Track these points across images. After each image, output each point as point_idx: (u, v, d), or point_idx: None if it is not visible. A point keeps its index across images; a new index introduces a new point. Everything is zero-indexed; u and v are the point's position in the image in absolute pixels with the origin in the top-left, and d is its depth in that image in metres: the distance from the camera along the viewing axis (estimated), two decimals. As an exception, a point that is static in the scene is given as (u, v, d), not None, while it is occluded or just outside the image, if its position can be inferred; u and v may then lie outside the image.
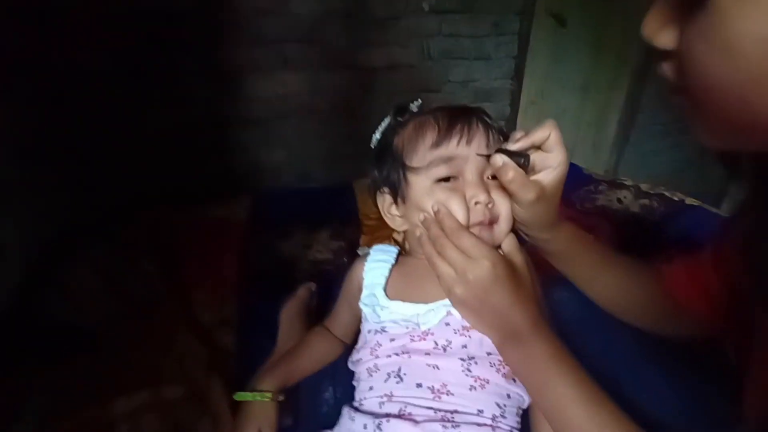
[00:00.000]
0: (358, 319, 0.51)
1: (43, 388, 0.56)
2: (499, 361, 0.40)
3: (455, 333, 0.41)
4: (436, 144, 0.44)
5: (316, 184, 1.46)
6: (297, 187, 1.42)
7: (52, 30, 1.03)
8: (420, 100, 0.50)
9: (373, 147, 0.52)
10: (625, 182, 1.18)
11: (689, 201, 1.08)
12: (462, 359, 0.39)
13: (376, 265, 0.50)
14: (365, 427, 0.40)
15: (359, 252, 0.90)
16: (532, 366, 0.37)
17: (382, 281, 0.48)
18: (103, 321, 0.72)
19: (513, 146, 0.40)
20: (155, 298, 0.74)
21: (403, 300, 0.45)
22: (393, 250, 0.52)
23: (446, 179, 0.44)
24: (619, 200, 1.07)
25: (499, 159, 0.39)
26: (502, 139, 0.46)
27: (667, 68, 0.24)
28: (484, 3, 1.56)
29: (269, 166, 1.44)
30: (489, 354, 0.40)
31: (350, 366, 0.47)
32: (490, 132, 0.45)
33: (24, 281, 0.79)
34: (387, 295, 0.46)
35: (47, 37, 1.02)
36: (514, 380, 0.39)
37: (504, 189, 0.44)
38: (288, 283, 0.78)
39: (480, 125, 0.45)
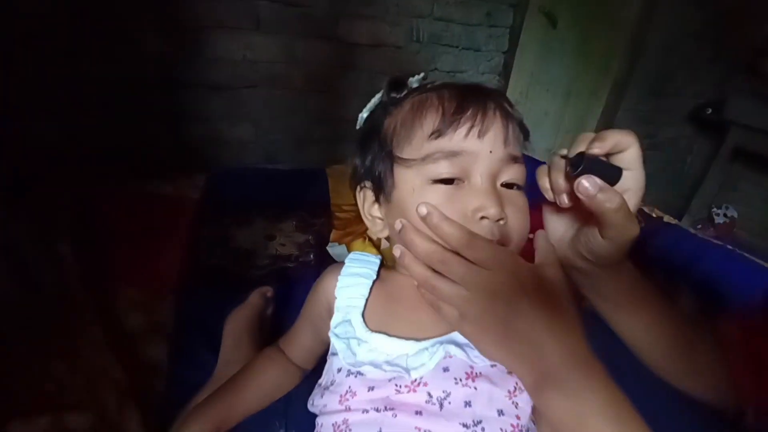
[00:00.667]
0: (323, 344, 0.41)
1: None
2: (512, 426, 0.31)
3: (456, 383, 0.31)
4: (438, 132, 0.33)
5: (283, 166, 1.32)
6: (261, 167, 1.27)
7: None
8: (423, 74, 0.38)
9: (358, 128, 0.41)
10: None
11: (667, 219, 1.07)
12: (464, 425, 0.29)
13: (352, 280, 0.39)
14: None
15: (329, 249, 0.79)
16: (586, 420, 0.26)
17: (361, 304, 0.37)
18: (3, 315, 0.56)
19: (594, 151, 0.30)
20: (70, 292, 0.59)
21: (388, 333, 0.35)
22: (374, 261, 0.41)
23: (446, 181, 0.33)
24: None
25: (592, 187, 0.28)
26: (522, 137, 0.36)
27: None
28: (479, -11, 1.47)
29: (231, 140, 1.28)
30: (501, 414, 0.31)
31: (310, 409, 0.36)
32: (510, 125, 0.35)
33: None
34: (366, 323, 0.36)
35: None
36: None
37: (515, 203, 0.34)
38: (242, 281, 0.66)
39: (499, 114, 0.34)
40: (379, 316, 0.37)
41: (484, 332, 0.30)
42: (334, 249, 0.79)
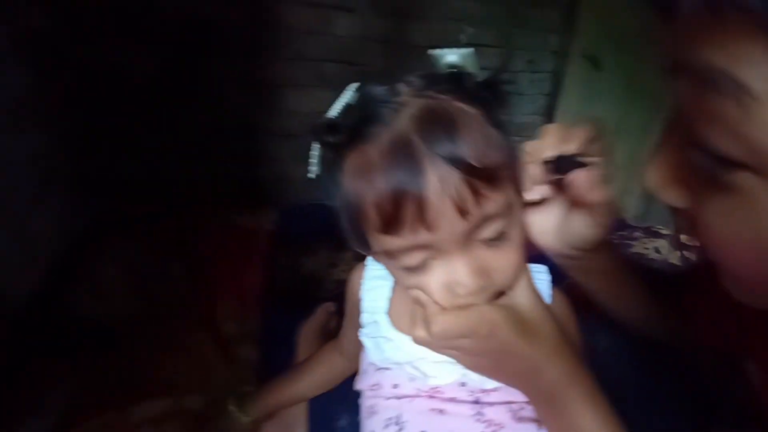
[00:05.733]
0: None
1: (63, 384, 0.55)
2: (519, 406, 0.35)
3: (471, 395, 0.35)
4: (384, 233, 0.29)
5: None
6: (325, 203, 1.42)
7: (91, 33, 1.07)
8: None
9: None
10: (661, 230, 1.14)
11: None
12: (474, 403, 0.34)
13: (375, 283, 0.41)
14: None
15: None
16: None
17: (385, 304, 0.40)
18: (127, 321, 0.71)
19: (568, 150, 0.32)
20: (180, 303, 0.73)
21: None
22: None
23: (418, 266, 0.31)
24: (657, 250, 1.03)
25: (587, 181, 0.33)
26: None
27: (679, 222, 0.23)
28: (521, 40, 1.58)
29: (299, 180, 1.45)
30: (508, 403, 0.35)
31: (355, 387, 0.43)
32: (465, 188, 0.28)
33: (50, 273, 0.79)
34: (391, 322, 0.39)
35: (87, 40, 1.06)
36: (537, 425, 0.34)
37: (492, 249, 0.31)
38: (312, 301, 0.77)
39: (441, 188, 0.27)
40: (401, 315, 0.38)
41: (483, 373, 0.34)
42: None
